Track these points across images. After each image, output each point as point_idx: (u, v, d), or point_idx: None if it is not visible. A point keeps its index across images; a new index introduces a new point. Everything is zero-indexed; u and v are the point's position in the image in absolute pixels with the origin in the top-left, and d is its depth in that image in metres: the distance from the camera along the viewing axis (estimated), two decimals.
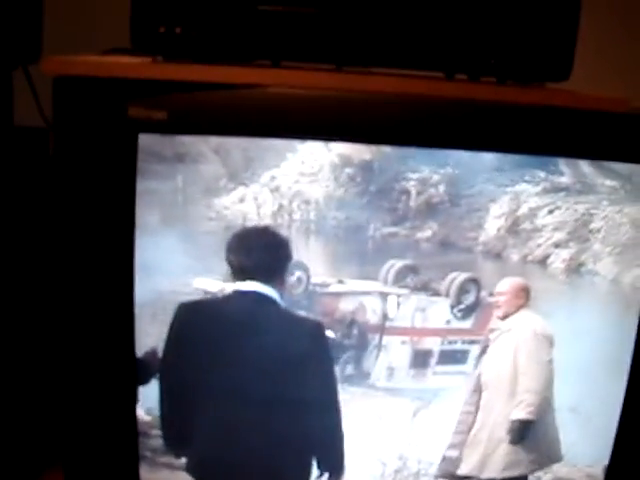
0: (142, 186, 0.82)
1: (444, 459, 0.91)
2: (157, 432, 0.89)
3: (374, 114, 0.81)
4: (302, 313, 0.87)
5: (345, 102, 0.81)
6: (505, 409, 0.91)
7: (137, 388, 0.87)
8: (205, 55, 0.81)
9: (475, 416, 0.91)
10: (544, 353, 0.90)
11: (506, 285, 0.89)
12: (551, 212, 0.86)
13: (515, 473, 0.92)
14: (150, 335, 0.86)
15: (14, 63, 1.03)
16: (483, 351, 0.91)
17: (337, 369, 0.88)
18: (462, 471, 0.92)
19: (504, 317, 0.91)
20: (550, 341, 0.90)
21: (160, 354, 0.87)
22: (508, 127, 0.82)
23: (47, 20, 1.08)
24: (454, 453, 0.91)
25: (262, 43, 0.82)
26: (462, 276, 0.87)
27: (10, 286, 1.01)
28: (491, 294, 0.89)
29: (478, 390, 0.92)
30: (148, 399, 0.88)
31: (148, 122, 0.80)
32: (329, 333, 0.88)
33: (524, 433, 0.91)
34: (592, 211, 0.87)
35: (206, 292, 0.86)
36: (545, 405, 0.91)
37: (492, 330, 0.92)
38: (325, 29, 0.82)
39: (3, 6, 0.95)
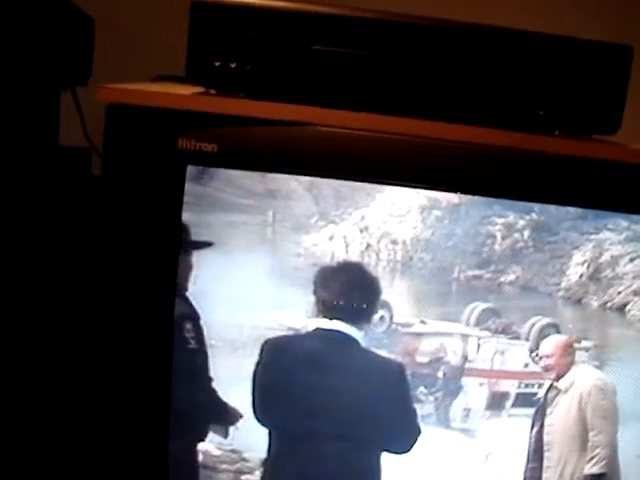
0: (230, 219, 0.82)
1: None
2: (226, 467, 0.89)
3: (422, 160, 0.82)
4: (383, 352, 0.88)
5: (398, 146, 0.82)
6: (578, 465, 0.92)
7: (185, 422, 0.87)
8: (258, 91, 0.82)
9: (541, 472, 0.91)
10: (609, 404, 0.91)
11: (552, 346, 0.90)
12: (632, 260, 0.88)
13: None
14: (228, 369, 0.86)
15: (64, 84, 1.05)
16: (543, 412, 0.92)
17: (415, 408, 0.89)
18: None
19: (558, 378, 0.91)
20: (613, 390, 0.90)
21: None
22: (574, 180, 0.84)
23: (97, 43, 1.10)
24: None
25: (313, 82, 0.83)
26: (543, 321, 0.88)
27: (54, 303, 1.02)
28: (538, 356, 0.90)
29: (540, 448, 0.92)
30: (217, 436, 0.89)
31: (198, 154, 0.81)
32: (409, 373, 0.88)
33: None
34: None
35: (290, 328, 0.87)
36: (615, 455, 0.92)
37: (549, 391, 0.92)
38: (376, 72, 0.82)
39: (56, 28, 0.97)
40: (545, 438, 0.91)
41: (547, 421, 0.92)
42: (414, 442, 0.89)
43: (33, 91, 0.97)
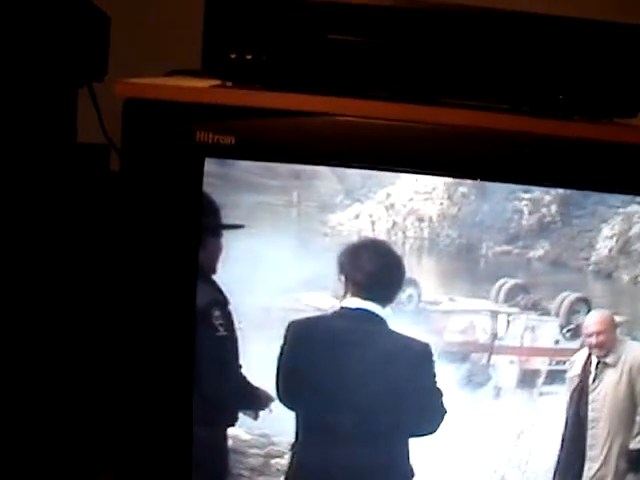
0: (255, 199, 0.83)
1: None
2: (255, 451, 0.89)
3: (445, 146, 0.82)
4: (412, 330, 0.87)
5: (415, 133, 0.81)
6: (624, 441, 0.91)
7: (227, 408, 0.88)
8: (274, 82, 0.82)
9: (584, 450, 0.91)
10: None
11: (600, 322, 0.89)
12: None
13: None
14: (257, 352, 0.87)
15: (80, 81, 1.05)
16: (585, 389, 0.91)
17: (443, 387, 0.88)
18: None
19: (606, 354, 0.90)
20: None
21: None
22: (595, 164, 0.83)
23: (113, 39, 1.10)
24: None
25: (330, 72, 0.82)
26: (573, 296, 0.87)
27: (75, 299, 1.03)
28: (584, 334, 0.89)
29: (582, 426, 0.91)
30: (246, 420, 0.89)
31: (215, 146, 0.81)
32: (438, 351, 0.88)
33: None
34: None
35: (317, 308, 0.86)
36: None
37: (595, 366, 0.91)
38: (393, 60, 0.82)
39: (72, 26, 0.97)
40: (590, 415, 0.90)
41: (592, 397, 0.91)
42: (440, 423, 0.88)
43: (50, 88, 0.98)
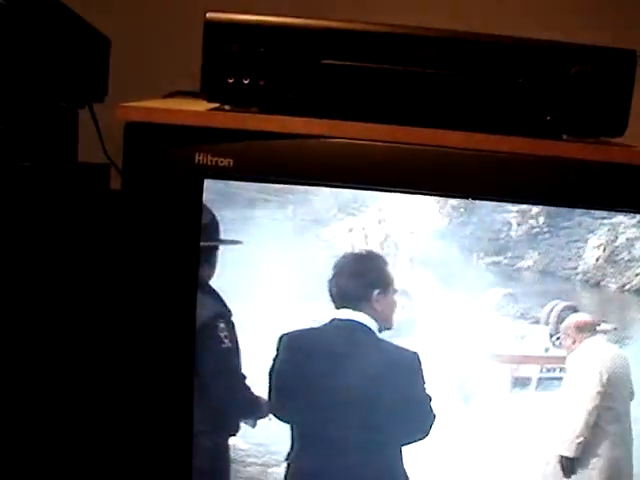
0: (251, 214, 0.85)
1: None
2: (253, 460, 0.91)
3: (432, 168, 0.84)
4: (404, 341, 0.90)
5: (407, 155, 0.84)
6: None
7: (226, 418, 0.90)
8: (271, 105, 0.84)
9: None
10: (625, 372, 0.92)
11: (572, 323, 0.91)
12: None
13: None
14: (257, 363, 0.89)
15: (81, 102, 1.08)
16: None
17: (437, 394, 0.90)
18: None
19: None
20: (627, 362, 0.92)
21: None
22: (583, 182, 0.86)
23: (113, 61, 1.12)
24: None
25: (324, 96, 0.85)
26: (561, 304, 0.90)
27: (75, 314, 1.04)
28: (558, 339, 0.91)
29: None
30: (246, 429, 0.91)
31: (214, 168, 0.84)
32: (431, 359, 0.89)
33: None
34: None
35: (311, 320, 0.89)
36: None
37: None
38: (386, 85, 0.84)
39: (73, 48, 1.00)
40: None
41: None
42: (430, 427, 0.90)
43: (52, 109, 1.00)
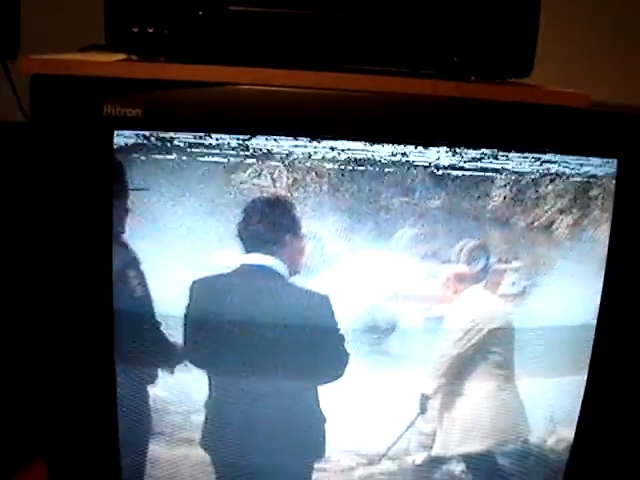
0: (159, 161, 0.85)
1: None
2: (175, 408, 0.92)
3: (345, 111, 0.85)
4: (316, 283, 0.90)
5: (316, 100, 0.84)
6: None
7: (114, 372, 0.89)
8: (177, 54, 0.84)
9: None
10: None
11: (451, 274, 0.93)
12: (552, 181, 0.90)
13: None
14: (171, 310, 0.89)
15: None
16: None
17: (349, 338, 0.91)
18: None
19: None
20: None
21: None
22: (491, 123, 0.87)
23: (24, 16, 1.10)
24: None
25: (231, 43, 0.84)
26: (471, 243, 0.91)
27: None
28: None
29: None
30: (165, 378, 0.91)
31: (123, 119, 0.83)
32: (342, 303, 0.90)
33: None
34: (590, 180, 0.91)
35: (223, 266, 0.89)
36: None
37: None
38: (293, 29, 0.85)
39: None
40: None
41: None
42: (345, 367, 0.91)
43: None
